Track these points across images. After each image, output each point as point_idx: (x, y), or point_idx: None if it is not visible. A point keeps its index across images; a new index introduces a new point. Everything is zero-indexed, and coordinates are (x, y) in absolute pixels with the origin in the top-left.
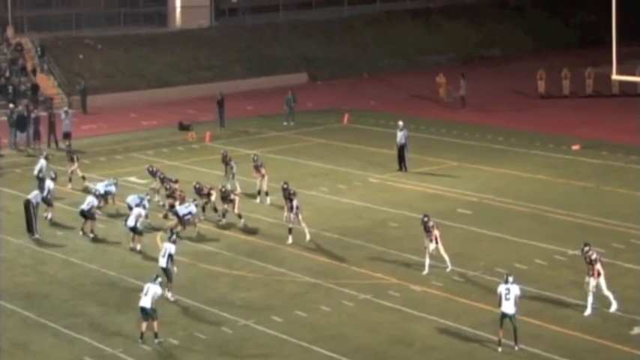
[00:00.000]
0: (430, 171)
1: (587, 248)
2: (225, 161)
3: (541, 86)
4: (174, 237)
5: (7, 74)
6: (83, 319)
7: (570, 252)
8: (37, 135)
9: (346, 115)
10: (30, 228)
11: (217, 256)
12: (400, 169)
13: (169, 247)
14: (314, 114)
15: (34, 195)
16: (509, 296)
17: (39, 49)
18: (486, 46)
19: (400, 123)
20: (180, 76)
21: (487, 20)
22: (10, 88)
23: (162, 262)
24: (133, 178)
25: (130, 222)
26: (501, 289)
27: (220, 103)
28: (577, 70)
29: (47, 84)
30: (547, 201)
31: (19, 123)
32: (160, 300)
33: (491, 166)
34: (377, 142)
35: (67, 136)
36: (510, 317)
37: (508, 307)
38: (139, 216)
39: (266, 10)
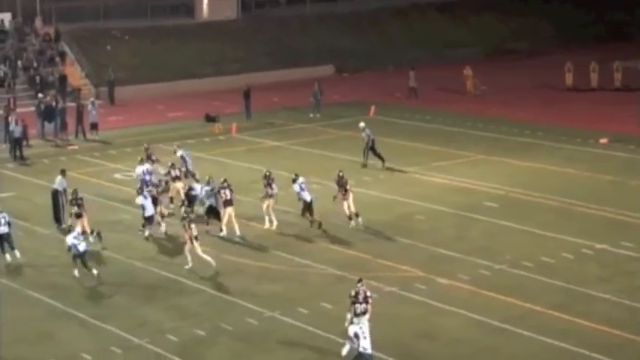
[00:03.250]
0: (456, 164)
1: None
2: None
3: (569, 79)
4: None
5: (35, 65)
6: (109, 309)
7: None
8: (64, 126)
9: (372, 108)
10: (57, 218)
11: (243, 248)
12: (384, 162)
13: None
14: (340, 106)
15: (59, 183)
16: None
17: (55, 34)
18: (513, 39)
19: (361, 124)
20: (206, 67)
21: (513, 13)
22: (38, 78)
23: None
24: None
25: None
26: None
27: (247, 95)
28: (605, 64)
29: (75, 75)
30: (574, 195)
31: (47, 113)
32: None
33: (518, 160)
34: (403, 134)
35: (94, 126)
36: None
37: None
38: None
39: (293, 2)
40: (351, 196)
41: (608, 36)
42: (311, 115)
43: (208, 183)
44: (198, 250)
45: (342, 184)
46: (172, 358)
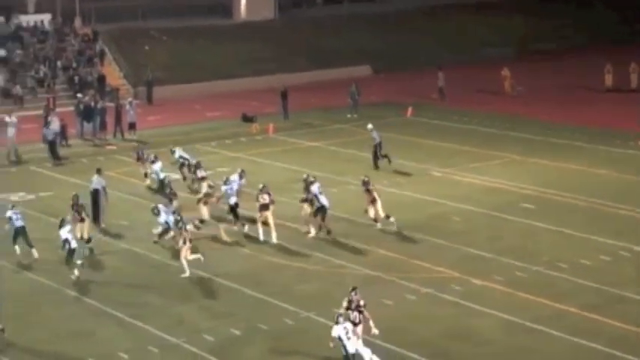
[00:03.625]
0: (492, 165)
1: None
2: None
3: (608, 80)
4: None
5: (75, 65)
6: (146, 308)
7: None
8: (103, 125)
9: (409, 109)
10: (96, 217)
11: (279, 248)
12: (387, 161)
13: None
14: (377, 107)
15: (97, 182)
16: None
17: (92, 34)
18: (546, 39)
19: (369, 126)
20: (243, 67)
21: (546, 13)
22: (77, 78)
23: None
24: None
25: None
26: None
27: (284, 95)
28: None
29: (113, 75)
30: (612, 196)
31: (86, 113)
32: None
33: (555, 161)
34: (439, 135)
35: (132, 126)
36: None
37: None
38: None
39: (330, 2)
40: (379, 201)
41: None
42: (348, 116)
43: (225, 182)
44: (183, 254)
45: (367, 188)
46: (209, 358)
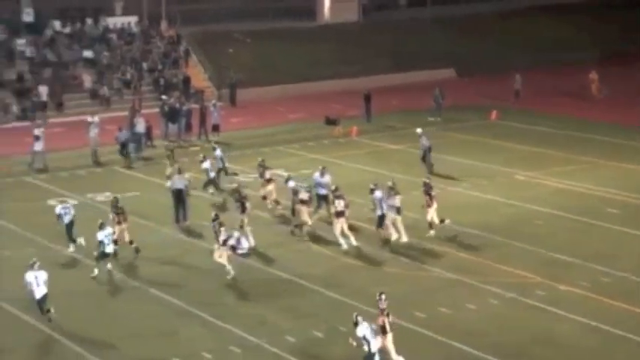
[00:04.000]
0: (576, 169)
1: None
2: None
3: None
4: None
5: (160, 67)
6: (227, 308)
7: None
8: (188, 127)
9: (494, 112)
10: (178, 217)
11: (358, 250)
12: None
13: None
14: (461, 110)
15: (179, 181)
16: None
17: (176, 37)
18: (630, 41)
19: (418, 130)
20: (326, 70)
21: (630, 15)
22: (162, 80)
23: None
24: (279, 171)
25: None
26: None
27: (367, 98)
28: None
29: (198, 77)
30: None
31: (171, 115)
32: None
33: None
34: (525, 139)
35: (215, 128)
36: None
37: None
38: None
39: (413, 5)
40: (434, 205)
41: None
42: (431, 119)
43: (287, 181)
44: (216, 254)
45: (427, 191)
46: (290, 359)
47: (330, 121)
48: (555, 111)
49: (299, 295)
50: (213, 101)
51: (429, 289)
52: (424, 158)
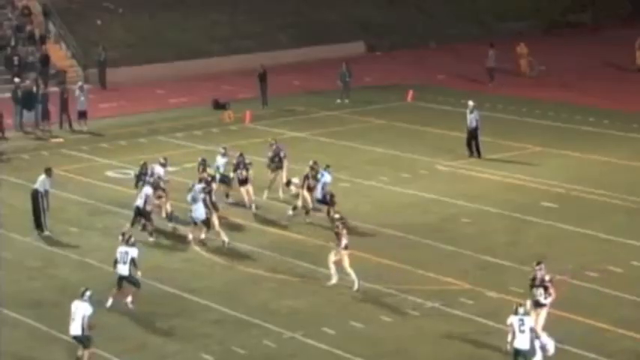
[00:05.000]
0: (509, 157)
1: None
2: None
3: (639, 58)
4: (132, 239)
5: (13, 43)
6: (101, 331)
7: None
8: (46, 114)
9: (410, 92)
10: (38, 223)
11: (259, 258)
12: (472, 154)
13: (130, 251)
14: (372, 90)
15: (40, 183)
16: (524, 328)
17: (32, 7)
18: (575, 11)
19: (470, 103)
20: (214, 45)
21: None
22: (16, 59)
23: (124, 269)
24: (157, 167)
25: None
26: (513, 320)
27: (262, 77)
28: None
29: (59, 55)
30: None
31: (26, 100)
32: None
33: (581, 152)
34: (446, 123)
35: (82, 115)
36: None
37: (522, 342)
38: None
39: None
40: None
41: None
42: (338, 101)
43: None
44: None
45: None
46: None
47: (219, 105)
48: (484, 89)
49: (187, 313)
50: (80, 83)
51: (341, 301)
52: (471, 140)
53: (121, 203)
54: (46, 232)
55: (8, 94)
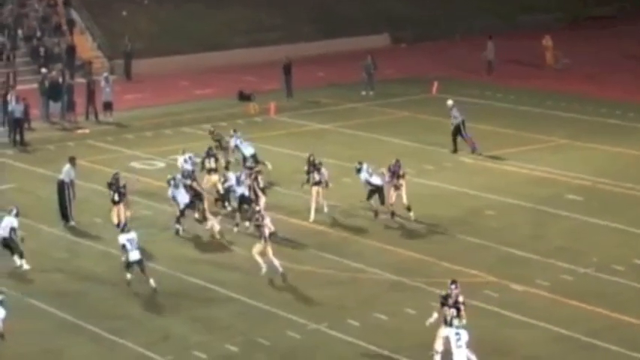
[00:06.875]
0: (534, 150)
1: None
2: None
3: None
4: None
5: (39, 34)
6: (126, 321)
7: None
8: (72, 105)
9: (435, 84)
10: (64, 214)
11: (283, 249)
12: (456, 150)
13: (135, 236)
14: (397, 82)
15: (65, 173)
16: (461, 343)
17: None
18: (600, 3)
19: (449, 102)
20: (239, 37)
21: None
22: (42, 50)
23: (136, 254)
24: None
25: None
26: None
27: (287, 70)
28: None
29: (85, 46)
30: None
31: (53, 91)
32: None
33: (607, 145)
34: (472, 115)
35: (107, 106)
36: None
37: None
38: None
39: None
40: (404, 188)
41: None
42: (363, 93)
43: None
44: (270, 252)
45: (396, 172)
46: None
47: (244, 97)
48: (509, 83)
49: (211, 304)
50: (105, 74)
51: (366, 293)
52: (457, 134)
53: (145, 194)
54: (72, 223)
55: (35, 85)
